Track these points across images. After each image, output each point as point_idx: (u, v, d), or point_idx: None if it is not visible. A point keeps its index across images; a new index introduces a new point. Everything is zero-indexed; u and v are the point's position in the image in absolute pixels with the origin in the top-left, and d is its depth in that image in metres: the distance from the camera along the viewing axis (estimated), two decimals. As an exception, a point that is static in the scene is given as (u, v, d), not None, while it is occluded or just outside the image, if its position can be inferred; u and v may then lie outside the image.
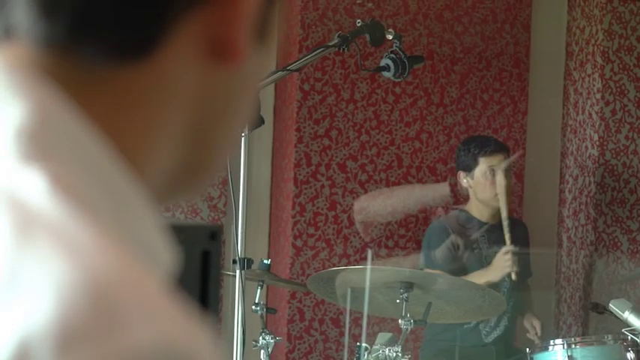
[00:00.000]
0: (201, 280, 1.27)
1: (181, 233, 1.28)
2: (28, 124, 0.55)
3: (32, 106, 0.56)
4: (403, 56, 3.83)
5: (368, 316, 4.17)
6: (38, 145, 0.55)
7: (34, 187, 0.52)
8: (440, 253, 4.62)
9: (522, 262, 4.85)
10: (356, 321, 5.07)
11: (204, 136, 0.66)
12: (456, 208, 5.05)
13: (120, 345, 0.47)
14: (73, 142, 0.56)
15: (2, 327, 0.47)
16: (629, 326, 3.97)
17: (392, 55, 3.84)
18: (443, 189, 4.98)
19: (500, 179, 4.67)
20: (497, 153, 4.73)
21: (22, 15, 0.58)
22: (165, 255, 0.60)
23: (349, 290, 3.32)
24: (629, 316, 3.96)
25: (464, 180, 4.80)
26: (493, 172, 4.68)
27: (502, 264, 4.52)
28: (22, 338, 0.47)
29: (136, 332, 0.48)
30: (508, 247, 4.57)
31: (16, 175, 0.53)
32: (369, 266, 3.25)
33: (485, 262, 4.70)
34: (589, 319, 5.61)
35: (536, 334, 4.71)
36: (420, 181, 5.77)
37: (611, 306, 4.03)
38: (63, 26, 0.58)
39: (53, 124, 0.56)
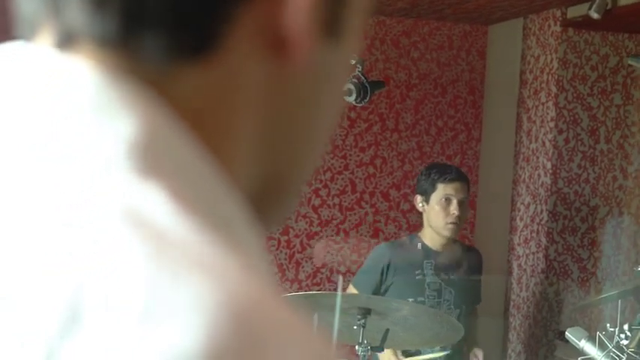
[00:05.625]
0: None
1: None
2: (139, 138, 0.53)
3: (140, 120, 0.54)
4: (365, 81, 3.82)
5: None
6: (152, 160, 0.52)
7: (157, 205, 0.50)
8: (366, 277, 4.63)
9: (473, 288, 4.85)
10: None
11: (282, 143, 0.62)
12: (410, 234, 5.04)
13: None
14: (180, 157, 0.54)
15: (150, 348, 0.46)
16: (585, 355, 3.97)
17: (354, 80, 3.83)
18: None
19: (453, 209, 4.65)
20: (456, 182, 4.69)
21: (77, 15, 0.57)
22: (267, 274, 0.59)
23: (316, 315, 3.31)
24: (584, 345, 3.95)
25: (419, 204, 4.77)
26: (449, 200, 4.67)
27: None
28: (171, 357, 0.45)
29: (286, 356, 0.47)
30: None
31: (133, 192, 0.51)
32: (339, 292, 3.25)
33: (427, 289, 4.69)
34: (539, 347, 5.61)
35: None
36: (373, 206, 5.76)
37: (568, 334, 4.02)
38: (116, 21, 0.56)
39: (161, 138, 0.54)
